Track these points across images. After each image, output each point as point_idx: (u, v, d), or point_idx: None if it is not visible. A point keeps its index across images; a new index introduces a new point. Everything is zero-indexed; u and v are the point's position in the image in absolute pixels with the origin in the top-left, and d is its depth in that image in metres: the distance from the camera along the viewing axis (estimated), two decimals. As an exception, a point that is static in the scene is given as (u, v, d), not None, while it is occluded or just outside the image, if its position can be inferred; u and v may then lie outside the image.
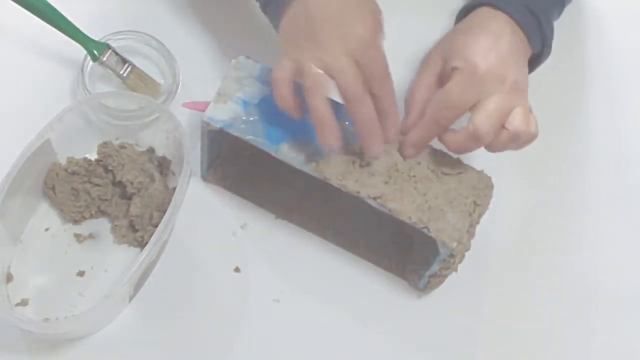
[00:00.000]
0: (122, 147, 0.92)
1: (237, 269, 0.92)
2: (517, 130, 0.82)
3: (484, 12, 0.88)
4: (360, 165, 0.84)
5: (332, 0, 0.79)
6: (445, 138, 0.84)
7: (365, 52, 0.78)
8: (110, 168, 0.91)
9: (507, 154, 0.98)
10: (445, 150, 0.86)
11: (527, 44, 0.88)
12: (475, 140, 0.82)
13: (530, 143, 0.85)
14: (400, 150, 0.86)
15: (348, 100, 0.79)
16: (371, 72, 0.79)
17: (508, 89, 0.82)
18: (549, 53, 0.91)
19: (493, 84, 0.82)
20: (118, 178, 0.90)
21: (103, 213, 0.92)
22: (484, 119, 0.81)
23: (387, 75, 0.80)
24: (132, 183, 0.90)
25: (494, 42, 0.85)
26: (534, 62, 0.91)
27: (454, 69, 0.84)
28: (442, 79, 0.86)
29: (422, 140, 0.85)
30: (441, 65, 0.86)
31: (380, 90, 0.79)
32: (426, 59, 0.89)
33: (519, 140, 0.83)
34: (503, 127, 0.82)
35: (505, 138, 0.82)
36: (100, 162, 0.92)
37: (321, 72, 0.78)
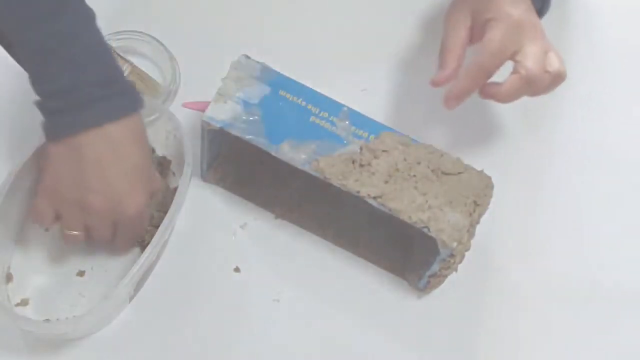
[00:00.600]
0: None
1: (237, 269, 0.92)
2: (559, 71, 0.86)
3: None
4: (360, 165, 0.84)
5: (107, 176, 0.81)
6: (494, 89, 0.87)
7: (127, 228, 0.85)
8: None
9: (507, 153, 0.99)
10: (446, 149, 0.86)
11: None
12: (528, 84, 0.85)
13: (559, 84, 0.88)
14: (444, 101, 0.88)
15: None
16: (123, 236, 0.86)
17: (540, 34, 0.87)
18: (548, 7, 0.94)
19: (529, 30, 0.86)
20: None
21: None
22: (534, 62, 0.85)
23: (129, 242, 0.88)
24: None
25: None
26: None
27: (488, 20, 0.87)
28: (475, 33, 0.89)
29: (467, 91, 0.87)
30: (471, 20, 0.89)
31: (121, 242, 0.88)
32: (449, 16, 0.91)
33: (559, 80, 0.87)
34: (545, 70, 0.85)
35: (548, 80, 0.86)
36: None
37: (80, 234, 0.84)
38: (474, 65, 0.86)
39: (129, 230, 0.85)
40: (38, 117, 0.87)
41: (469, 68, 0.87)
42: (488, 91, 0.87)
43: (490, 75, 0.87)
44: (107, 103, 0.80)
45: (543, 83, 0.86)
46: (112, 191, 0.81)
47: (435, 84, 0.88)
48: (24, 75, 0.85)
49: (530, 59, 0.85)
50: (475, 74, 0.87)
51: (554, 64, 0.86)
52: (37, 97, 0.81)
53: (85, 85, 0.78)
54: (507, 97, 0.87)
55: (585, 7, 1.11)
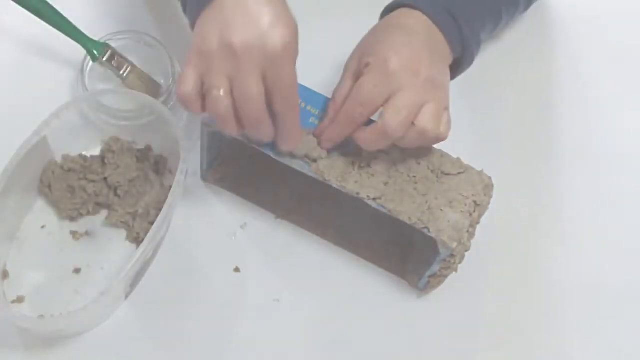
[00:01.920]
0: (128, 149, 0.93)
1: (237, 269, 0.92)
2: (424, 128, 0.79)
3: (403, 12, 0.87)
4: (360, 167, 0.84)
5: (250, 8, 0.75)
6: (356, 135, 0.81)
7: (275, 69, 0.75)
8: (105, 162, 0.91)
9: (507, 153, 0.99)
10: (446, 149, 0.86)
11: (446, 46, 0.85)
12: (384, 136, 0.79)
13: (438, 142, 0.83)
14: (319, 143, 0.84)
15: (246, 123, 0.77)
16: (278, 89, 0.76)
17: (422, 84, 0.80)
18: (470, 60, 0.89)
19: (405, 78, 0.79)
20: (109, 178, 0.91)
21: (100, 207, 0.92)
22: (393, 115, 0.79)
23: (292, 94, 0.77)
24: (121, 186, 0.91)
25: (408, 38, 0.83)
26: (455, 69, 0.88)
27: (366, 65, 0.81)
28: (358, 78, 0.83)
29: (337, 137, 0.83)
30: (357, 65, 0.84)
31: (282, 109, 0.77)
32: (346, 63, 0.86)
33: (426, 138, 0.81)
34: (413, 123, 0.79)
35: (413, 134, 0.80)
36: (97, 157, 0.92)
37: (223, 94, 0.75)
38: (342, 114, 0.81)
39: (280, 76, 0.75)
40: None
41: (339, 116, 0.82)
42: (355, 136, 0.82)
43: (359, 123, 0.81)
44: None
45: (407, 136, 0.80)
46: (252, 22, 0.74)
47: (316, 135, 0.83)
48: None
49: (391, 110, 0.79)
50: (343, 122, 0.82)
51: (421, 120, 0.79)
52: None
53: None
54: (367, 146, 0.81)
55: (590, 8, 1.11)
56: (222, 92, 0.75)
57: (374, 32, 0.87)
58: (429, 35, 0.84)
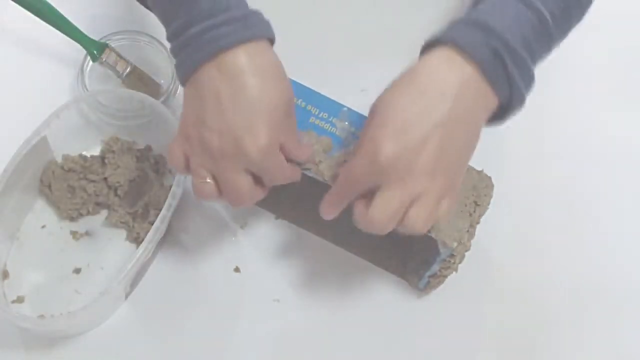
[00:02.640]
0: (128, 149, 0.93)
1: (237, 269, 0.92)
2: (412, 228, 0.74)
3: (442, 57, 0.74)
4: None
5: (224, 108, 0.74)
6: (354, 208, 0.77)
7: (258, 169, 0.75)
8: (106, 162, 0.91)
9: (507, 153, 0.99)
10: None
11: (488, 98, 0.75)
12: (371, 227, 0.75)
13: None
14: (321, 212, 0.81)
15: (232, 205, 0.77)
16: (266, 179, 0.77)
17: (415, 174, 0.72)
18: (520, 103, 0.78)
19: (395, 171, 0.72)
20: (109, 178, 0.91)
21: (100, 207, 0.92)
22: (379, 208, 0.73)
23: (282, 178, 0.79)
24: (121, 186, 0.91)
25: (427, 110, 0.73)
26: (500, 115, 0.79)
27: (360, 146, 0.75)
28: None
29: (334, 209, 0.79)
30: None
31: (275, 183, 0.79)
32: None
33: (415, 232, 0.75)
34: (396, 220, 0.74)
35: (402, 229, 0.75)
36: (97, 157, 0.92)
37: (210, 182, 0.76)
38: (337, 185, 0.77)
39: (267, 174, 0.76)
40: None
41: (333, 187, 0.78)
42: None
43: (350, 197, 0.76)
44: (216, 32, 0.74)
45: (396, 230, 0.75)
46: (227, 128, 0.74)
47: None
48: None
49: (378, 205, 0.73)
50: (337, 191, 0.78)
51: (410, 220, 0.73)
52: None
53: (195, 21, 0.74)
54: (359, 223, 0.77)
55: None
56: (207, 180, 0.76)
57: (395, 86, 0.76)
58: (462, 97, 0.73)
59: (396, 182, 0.73)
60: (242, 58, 0.74)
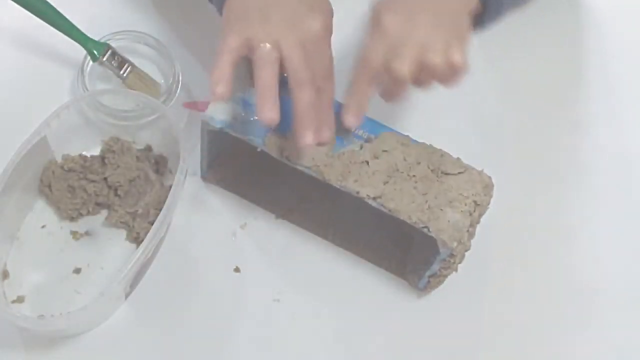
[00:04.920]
0: (128, 148, 0.93)
1: (237, 269, 0.92)
2: (433, 65, 0.79)
3: None
4: (360, 165, 0.84)
5: None
6: (380, 92, 0.83)
7: (316, 46, 0.79)
8: (106, 162, 0.91)
9: (507, 153, 0.99)
10: (446, 149, 0.86)
11: None
12: (398, 84, 0.81)
13: (460, 75, 0.81)
14: (342, 123, 0.84)
15: (295, 82, 0.79)
16: (318, 66, 0.79)
17: (419, 27, 0.80)
18: (497, 5, 0.87)
19: (400, 30, 0.80)
20: (109, 178, 0.91)
21: (100, 207, 0.92)
22: (397, 63, 0.78)
23: (331, 74, 0.81)
24: (121, 186, 0.91)
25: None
26: (481, 16, 0.87)
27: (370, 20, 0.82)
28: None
29: (357, 104, 0.83)
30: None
31: (322, 86, 0.80)
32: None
33: (439, 75, 0.80)
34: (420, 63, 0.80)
35: (425, 75, 0.80)
36: (97, 157, 0.92)
37: (273, 48, 0.78)
38: (352, 79, 0.82)
39: (320, 59, 0.80)
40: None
41: (352, 82, 0.82)
42: (379, 93, 0.84)
43: (369, 83, 0.81)
44: None
45: (422, 78, 0.80)
46: (292, 5, 0.79)
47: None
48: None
49: (393, 59, 0.79)
50: (355, 86, 0.82)
51: (428, 59, 0.79)
52: None
53: None
54: (388, 98, 0.83)
55: (592, 9, 1.11)
56: (268, 47, 0.78)
57: None
58: None
59: (406, 40, 0.79)
60: None
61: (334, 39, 0.83)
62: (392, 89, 0.82)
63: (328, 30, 0.81)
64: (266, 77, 0.78)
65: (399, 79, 0.79)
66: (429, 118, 0.99)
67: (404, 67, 0.78)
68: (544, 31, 1.07)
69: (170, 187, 0.86)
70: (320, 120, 0.81)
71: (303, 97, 0.79)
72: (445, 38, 0.80)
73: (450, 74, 0.81)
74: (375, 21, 0.81)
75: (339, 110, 0.84)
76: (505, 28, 1.00)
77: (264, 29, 0.78)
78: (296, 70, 0.78)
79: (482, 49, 0.96)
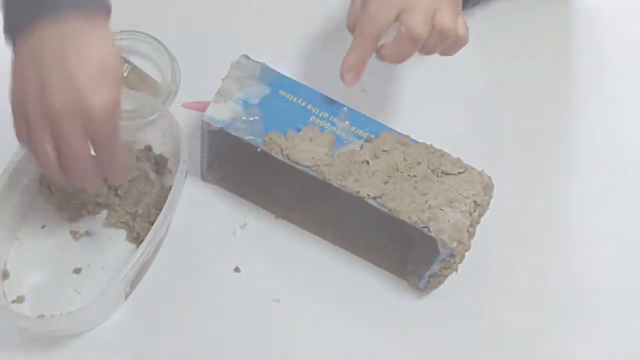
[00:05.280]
0: (128, 148, 0.93)
1: (237, 269, 0.92)
2: (444, 27, 0.81)
3: None
4: (361, 165, 0.84)
5: (70, 68, 0.72)
6: (381, 51, 0.83)
7: (98, 131, 0.74)
8: None
9: (507, 153, 0.99)
10: (446, 149, 0.86)
11: None
12: (409, 41, 0.81)
13: (461, 47, 0.84)
14: (342, 78, 0.85)
15: (73, 176, 0.77)
16: (100, 145, 0.76)
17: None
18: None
19: (416, 1, 0.81)
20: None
21: (100, 207, 0.92)
22: (411, 18, 0.80)
23: (115, 146, 0.77)
24: (121, 186, 0.91)
25: None
26: None
27: None
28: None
29: (358, 59, 0.84)
30: None
31: (105, 158, 0.77)
32: None
33: (447, 40, 0.82)
34: (432, 27, 0.81)
35: (434, 37, 0.82)
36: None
37: (49, 151, 0.74)
38: (356, 36, 0.84)
39: (104, 139, 0.75)
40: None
41: (354, 39, 0.84)
42: (378, 54, 0.84)
43: (375, 39, 0.83)
44: None
45: (429, 40, 0.82)
46: (72, 85, 0.72)
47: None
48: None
49: (409, 14, 0.81)
50: (359, 43, 0.83)
51: (440, 21, 0.81)
52: None
53: None
54: (394, 57, 0.83)
55: (585, 8, 1.11)
56: (47, 149, 0.74)
57: None
58: None
59: (420, 3, 0.80)
60: (89, 22, 0.74)
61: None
62: (401, 47, 0.82)
63: (112, 108, 0.74)
64: (47, 170, 0.76)
65: (414, 35, 0.80)
66: (429, 118, 0.99)
67: (418, 21, 0.80)
68: (542, 31, 1.07)
69: (170, 187, 0.86)
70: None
71: (74, 175, 0.77)
72: (452, 9, 0.82)
73: (454, 43, 0.83)
74: None
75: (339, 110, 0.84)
76: (505, 29, 1.00)
77: (40, 123, 0.74)
78: (74, 170, 0.76)
79: (482, 49, 0.96)
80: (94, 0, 0.76)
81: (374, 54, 0.85)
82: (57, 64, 0.72)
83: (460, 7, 0.85)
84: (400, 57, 0.83)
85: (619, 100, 1.06)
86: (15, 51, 0.75)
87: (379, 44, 0.84)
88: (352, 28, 0.85)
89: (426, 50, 0.83)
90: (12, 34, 0.75)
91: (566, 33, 1.09)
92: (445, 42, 0.83)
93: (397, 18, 0.82)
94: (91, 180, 0.78)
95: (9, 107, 0.94)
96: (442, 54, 0.84)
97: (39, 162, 0.76)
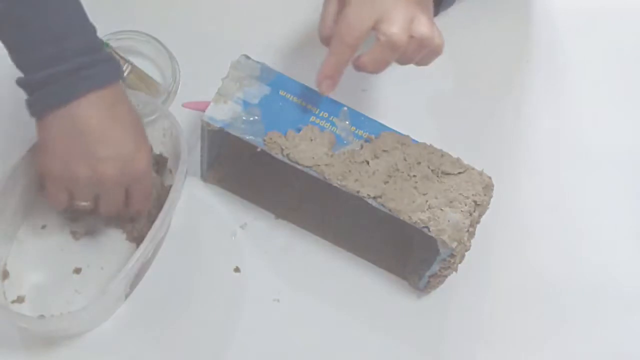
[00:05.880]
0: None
1: (237, 269, 0.92)
2: (422, 35, 0.81)
3: None
4: (361, 165, 0.84)
5: (115, 138, 0.80)
6: (360, 60, 0.83)
7: (138, 186, 0.84)
8: None
9: (507, 153, 0.99)
10: (446, 149, 0.86)
11: None
12: (390, 49, 0.80)
13: (436, 55, 0.84)
14: (318, 86, 0.84)
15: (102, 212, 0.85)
16: (137, 198, 0.85)
17: (406, 3, 0.81)
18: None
19: (393, 9, 0.80)
20: None
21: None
22: (390, 25, 0.80)
23: (148, 199, 0.87)
24: None
25: None
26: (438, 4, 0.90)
27: None
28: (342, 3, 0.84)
29: (335, 67, 0.83)
30: None
31: (140, 208, 0.87)
32: None
33: (425, 49, 0.82)
34: (409, 35, 0.81)
35: (413, 46, 0.81)
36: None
37: (87, 204, 0.84)
38: (333, 42, 0.83)
39: (142, 189, 0.85)
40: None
41: (331, 46, 0.83)
42: (356, 63, 0.83)
43: (353, 47, 0.82)
44: (94, 70, 0.78)
45: (408, 48, 0.81)
46: (120, 152, 0.80)
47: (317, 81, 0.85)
48: (19, 71, 0.85)
49: (386, 22, 0.80)
50: (337, 50, 0.82)
51: (419, 29, 0.80)
52: (20, 75, 0.80)
53: (70, 54, 0.77)
54: (372, 66, 0.82)
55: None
56: (87, 204, 0.84)
57: None
58: None
59: (392, 6, 0.80)
60: (116, 93, 0.81)
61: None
62: (379, 56, 0.82)
63: (149, 165, 0.84)
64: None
65: (392, 43, 0.80)
66: (429, 118, 0.99)
67: (397, 29, 0.80)
68: (543, 32, 1.07)
69: (170, 187, 0.86)
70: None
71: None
72: (429, 17, 0.82)
73: (431, 52, 0.83)
74: None
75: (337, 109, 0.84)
76: (504, 29, 1.00)
77: (87, 189, 0.82)
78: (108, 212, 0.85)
79: (482, 49, 0.95)
80: (114, 72, 0.81)
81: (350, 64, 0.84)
82: (100, 134, 0.79)
83: (432, 16, 0.85)
84: (378, 66, 0.83)
85: (620, 101, 1.06)
86: (41, 125, 0.80)
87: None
88: (326, 41, 0.84)
89: (404, 59, 0.83)
90: (40, 111, 0.80)
91: (568, 33, 1.09)
92: (424, 51, 0.83)
93: (375, 27, 0.81)
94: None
95: (9, 107, 0.94)
96: (418, 63, 0.84)
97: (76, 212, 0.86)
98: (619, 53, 1.09)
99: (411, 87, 1.01)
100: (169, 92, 0.97)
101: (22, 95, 0.96)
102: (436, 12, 0.89)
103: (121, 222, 0.91)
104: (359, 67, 0.83)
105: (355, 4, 0.81)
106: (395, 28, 0.80)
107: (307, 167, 0.84)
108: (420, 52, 0.82)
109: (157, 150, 0.95)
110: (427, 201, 0.83)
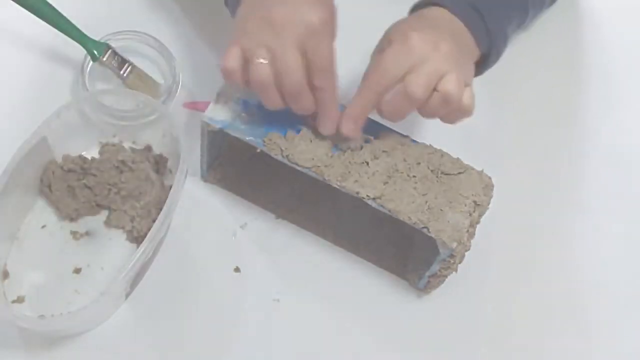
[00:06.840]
0: (121, 149, 0.93)
1: (237, 269, 0.92)
2: (447, 92, 0.80)
3: (430, 9, 0.88)
4: (360, 166, 0.84)
5: None
6: (380, 106, 0.82)
7: (314, 43, 0.79)
8: (102, 169, 0.92)
9: (507, 153, 0.99)
10: (446, 149, 0.86)
11: (472, 42, 0.87)
12: (407, 99, 0.80)
13: (463, 116, 0.83)
14: (340, 129, 0.84)
15: (286, 94, 0.80)
16: (316, 63, 0.79)
17: (442, 57, 0.81)
18: (497, 55, 0.90)
19: (425, 51, 0.80)
20: (109, 178, 0.91)
21: (100, 207, 0.92)
22: (414, 78, 0.79)
23: (330, 68, 0.81)
24: (113, 187, 0.91)
25: (432, 24, 0.85)
26: (480, 65, 0.89)
27: (389, 42, 0.83)
28: None
29: (361, 111, 0.83)
30: (383, 45, 0.85)
31: (320, 83, 0.80)
32: (374, 48, 0.87)
33: (449, 106, 0.81)
34: (433, 90, 0.80)
35: (435, 101, 0.80)
36: (97, 157, 0.92)
37: (265, 62, 0.79)
38: (364, 86, 0.82)
39: (318, 56, 0.80)
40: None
41: (361, 89, 0.83)
42: (377, 108, 0.83)
43: (380, 93, 0.81)
44: None
45: (430, 102, 0.80)
46: (292, 3, 0.79)
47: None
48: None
49: (413, 74, 0.80)
50: (364, 94, 0.82)
51: (445, 85, 0.79)
52: None
53: None
54: (389, 112, 0.82)
55: (591, 9, 1.11)
56: (262, 61, 0.79)
57: (400, 20, 0.87)
58: (453, 29, 0.85)
59: (427, 60, 0.80)
60: None
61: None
62: (397, 104, 0.81)
63: (328, 24, 0.80)
64: (262, 90, 0.80)
65: (410, 95, 0.79)
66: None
67: (420, 82, 0.79)
68: (540, 30, 1.07)
69: (170, 187, 0.86)
70: (319, 119, 0.83)
71: (296, 106, 0.82)
72: (461, 76, 0.81)
73: (457, 111, 0.82)
74: (401, 37, 0.81)
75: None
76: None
77: (262, 36, 0.79)
78: (287, 86, 0.80)
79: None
80: None
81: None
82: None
83: (472, 78, 0.85)
84: (396, 114, 0.82)
85: (620, 100, 1.06)
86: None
87: None
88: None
89: (426, 113, 0.82)
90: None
91: (567, 33, 1.09)
92: (447, 108, 0.81)
93: (404, 75, 0.81)
94: (304, 101, 0.82)
95: (9, 107, 0.95)
96: (444, 120, 0.83)
97: (255, 76, 0.80)
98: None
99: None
100: (169, 92, 0.97)
101: (22, 95, 0.97)
102: (478, 72, 0.88)
103: (121, 222, 0.91)
104: (379, 113, 0.83)
105: (391, 53, 0.81)
106: (417, 80, 0.79)
107: (306, 168, 0.84)
108: (444, 108, 0.81)
109: (157, 150, 0.95)
110: (426, 201, 0.83)
